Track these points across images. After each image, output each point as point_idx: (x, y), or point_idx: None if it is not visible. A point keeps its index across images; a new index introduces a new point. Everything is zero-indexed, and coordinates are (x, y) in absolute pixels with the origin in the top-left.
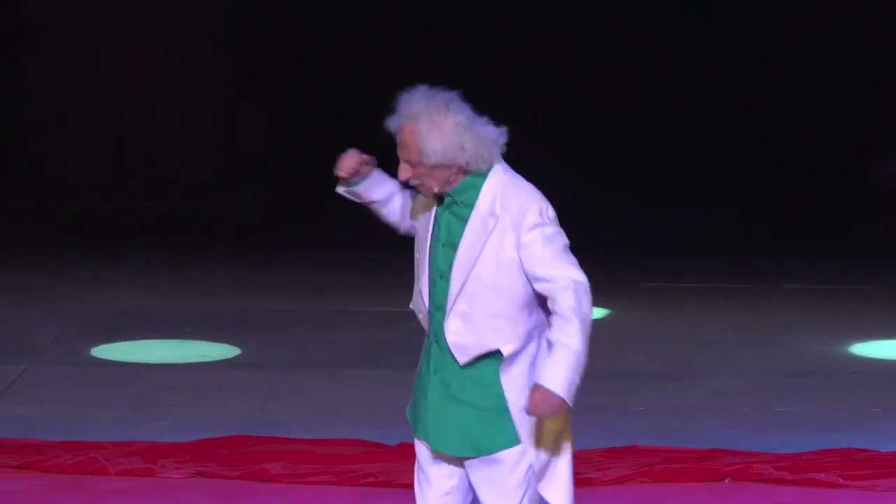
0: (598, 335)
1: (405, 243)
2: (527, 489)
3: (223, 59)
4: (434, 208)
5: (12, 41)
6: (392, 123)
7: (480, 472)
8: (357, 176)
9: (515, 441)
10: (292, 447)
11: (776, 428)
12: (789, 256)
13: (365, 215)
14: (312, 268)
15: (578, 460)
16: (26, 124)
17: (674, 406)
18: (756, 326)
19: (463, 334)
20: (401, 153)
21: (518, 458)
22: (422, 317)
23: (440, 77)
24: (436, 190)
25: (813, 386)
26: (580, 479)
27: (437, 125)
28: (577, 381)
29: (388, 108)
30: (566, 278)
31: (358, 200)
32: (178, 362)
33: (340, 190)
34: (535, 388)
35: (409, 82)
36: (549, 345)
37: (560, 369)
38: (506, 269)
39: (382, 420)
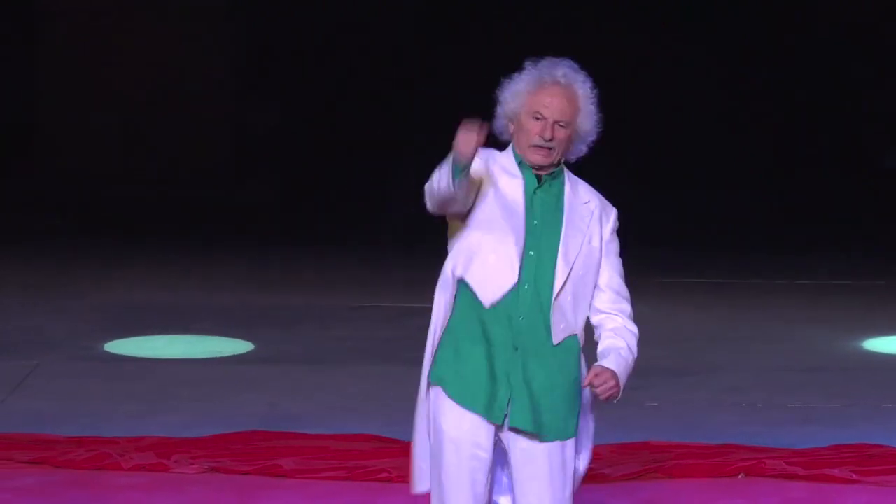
0: None
1: (417, 239)
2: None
3: (234, 46)
4: (521, 188)
5: (24, 28)
6: (558, 75)
7: (546, 456)
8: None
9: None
10: (305, 442)
11: (789, 423)
12: (801, 252)
13: (378, 210)
14: (324, 263)
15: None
16: (37, 113)
17: (686, 402)
18: (768, 322)
19: (562, 313)
20: (555, 111)
21: (572, 447)
22: (494, 287)
23: (445, 68)
24: (554, 158)
25: (825, 381)
26: (593, 475)
27: (591, 99)
28: None
29: (394, 92)
30: (628, 294)
31: (457, 191)
32: (190, 357)
33: (452, 187)
34: (604, 370)
35: (414, 72)
36: (614, 343)
37: (624, 368)
38: (596, 256)
39: (395, 415)
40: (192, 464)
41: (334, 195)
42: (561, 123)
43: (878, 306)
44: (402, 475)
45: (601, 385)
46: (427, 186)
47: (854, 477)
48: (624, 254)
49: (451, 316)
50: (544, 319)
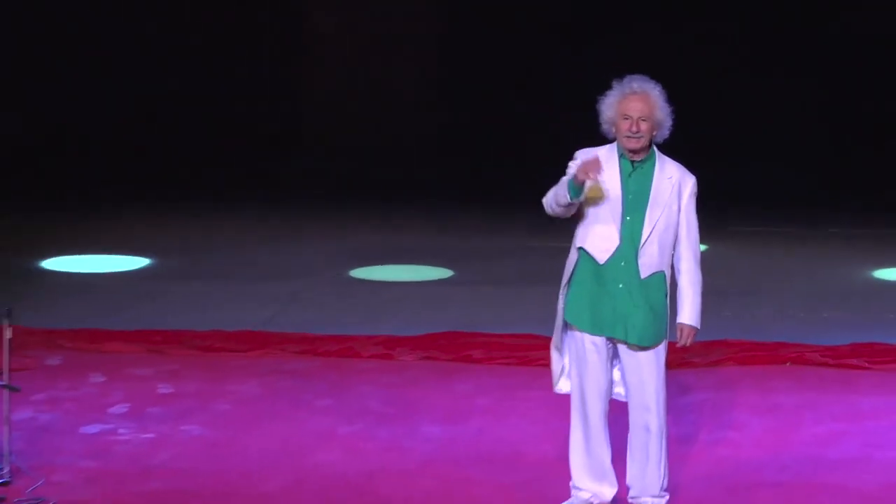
0: None
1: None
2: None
3: (441, 66)
4: (618, 172)
5: (294, 52)
6: (635, 87)
7: (643, 356)
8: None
9: (666, 334)
10: (488, 339)
11: (823, 329)
12: (849, 210)
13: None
14: (511, 215)
15: (686, 349)
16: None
17: (752, 314)
18: (811, 259)
19: (649, 257)
20: (637, 111)
21: (665, 346)
22: (603, 251)
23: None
24: (643, 143)
25: (849, 300)
26: (685, 363)
27: (660, 98)
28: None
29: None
30: (699, 243)
31: (574, 206)
32: (408, 280)
33: (564, 204)
34: (683, 326)
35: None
36: (684, 287)
37: (698, 309)
38: (674, 216)
39: (551, 321)
40: (411, 354)
41: (524, 157)
42: (642, 119)
43: (886, 246)
44: None
45: (685, 342)
46: (545, 203)
47: (866, 365)
48: (702, 210)
49: (575, 271)
50: (636, 263)
